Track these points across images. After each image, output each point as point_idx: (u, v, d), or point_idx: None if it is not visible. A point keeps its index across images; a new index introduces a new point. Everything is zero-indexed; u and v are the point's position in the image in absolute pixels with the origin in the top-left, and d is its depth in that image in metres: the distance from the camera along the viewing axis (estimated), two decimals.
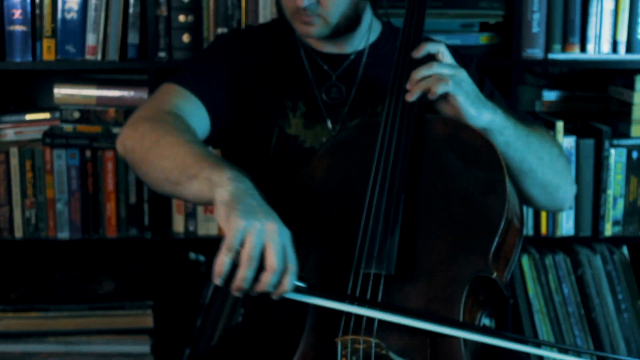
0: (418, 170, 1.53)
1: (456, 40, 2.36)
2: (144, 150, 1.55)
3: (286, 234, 1.35)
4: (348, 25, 1.76)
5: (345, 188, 1.56)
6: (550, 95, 2.53)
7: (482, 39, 2.38)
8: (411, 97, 1.55)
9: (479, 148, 1.53)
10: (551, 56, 2.37)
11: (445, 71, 1.56)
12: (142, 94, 2.40)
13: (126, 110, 2.42)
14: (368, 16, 1.83)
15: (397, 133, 1.54)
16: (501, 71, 2.36)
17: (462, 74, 1.58)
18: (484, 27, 2.40)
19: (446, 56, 1.60)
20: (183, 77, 1.76)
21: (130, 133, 1.61)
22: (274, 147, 1.77)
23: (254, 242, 1.31)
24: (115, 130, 2.41)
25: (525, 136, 1.64)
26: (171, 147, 1.50)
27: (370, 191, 1.50)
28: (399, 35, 1.67)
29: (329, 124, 1.79)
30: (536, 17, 2.34)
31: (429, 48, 1.59)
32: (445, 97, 1.56)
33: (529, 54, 2.36)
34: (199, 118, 1.70)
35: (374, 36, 1.87)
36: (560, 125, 2.36)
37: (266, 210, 1.37)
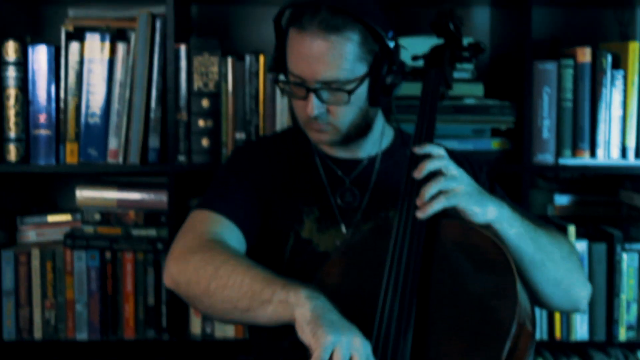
0: (429, 273, 1.54)
1: (468, 146, 2.37)
2: (202, 283, 1.56)
3: (368, 347, 1.41)
4: (359, 132, 1.79)
5: (359, 292, 1.57)
6: (561, 200, 2.52)
7: (494, 144, 2.39)
8: (422, 215, 1.55)
9: (489, 251, 1.53)
10: (562, 161, 2.37)
11: (453, 185, 1.57)
12: (162, 196, 2.40)
13: (146, 212, 2.42)
14: (380, 123, 1.86)
15: (409, 238, 1.55)
16: (513, 176, 2.35)
17: (465, 181, 1.59)
18: (495, 133, 2.40)
19: (450, 169, 1.59)
20: (212, 201, 1.76)
21: (181, 268, 1.60)
22: (290, 251, 1.78)
23: (343, 355, 1.37)
24: (135, 232, 2.42)
25: (534, 230, 1.65)
26: (234, 276, 1.52)
27: (383, 295, 1.52)
28: (410, 142, 1.69)
29: (343, 228, 1.80)
30: (546, 123, 2.35)
31: (429, 167, 1.58)
32: None
33: (539, 159, 2.36)
34: (237, 241, 1.71)
35: (386, 142, 1.89)
36: (572, 229, 2.35)
37: (346, 323, 1.43)
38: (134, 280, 2.40)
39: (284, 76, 1.78)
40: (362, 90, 1.72)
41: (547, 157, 2.37)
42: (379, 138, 1.87)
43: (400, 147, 1.88)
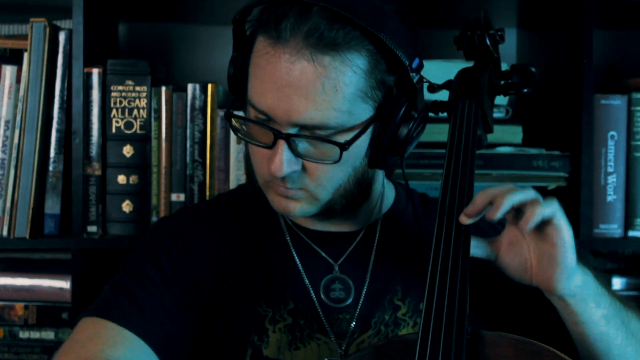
0: None
1: None
2: None
3: None
4: (350, 203, 1.48)
5: None
6: (622, 283, 2.25)
7: None
8: (468, 217, 1.29)
9: None
10: (633, 234, 2.06)
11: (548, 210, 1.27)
12: (62, 283, 2.09)
13: (40, 306, 2.10)
14: (379, 180, 1.57)
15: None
16: None
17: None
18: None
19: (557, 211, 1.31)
20: (111, 304, 1.43)
21: None
22: None
23: None
24: (23, 334, 2.09)
25: (624, 310, 1.41)
26: None
27: None
28: (438, 207, 1.34)
29: (332, 339, 1.46)
30: (612, 180, 2.04)
31: (507, 205, 1.27)
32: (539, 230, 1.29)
33: (603, 231, 2.06)
34: None
35: (387, 204, 1.60)
36: None
37: None
38: None
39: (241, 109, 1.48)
40: (362, 142, 1.41)
41: (612, 228, 2.06)
42: (378, 200, 1.57)
43: (406, 208, 1.61)
